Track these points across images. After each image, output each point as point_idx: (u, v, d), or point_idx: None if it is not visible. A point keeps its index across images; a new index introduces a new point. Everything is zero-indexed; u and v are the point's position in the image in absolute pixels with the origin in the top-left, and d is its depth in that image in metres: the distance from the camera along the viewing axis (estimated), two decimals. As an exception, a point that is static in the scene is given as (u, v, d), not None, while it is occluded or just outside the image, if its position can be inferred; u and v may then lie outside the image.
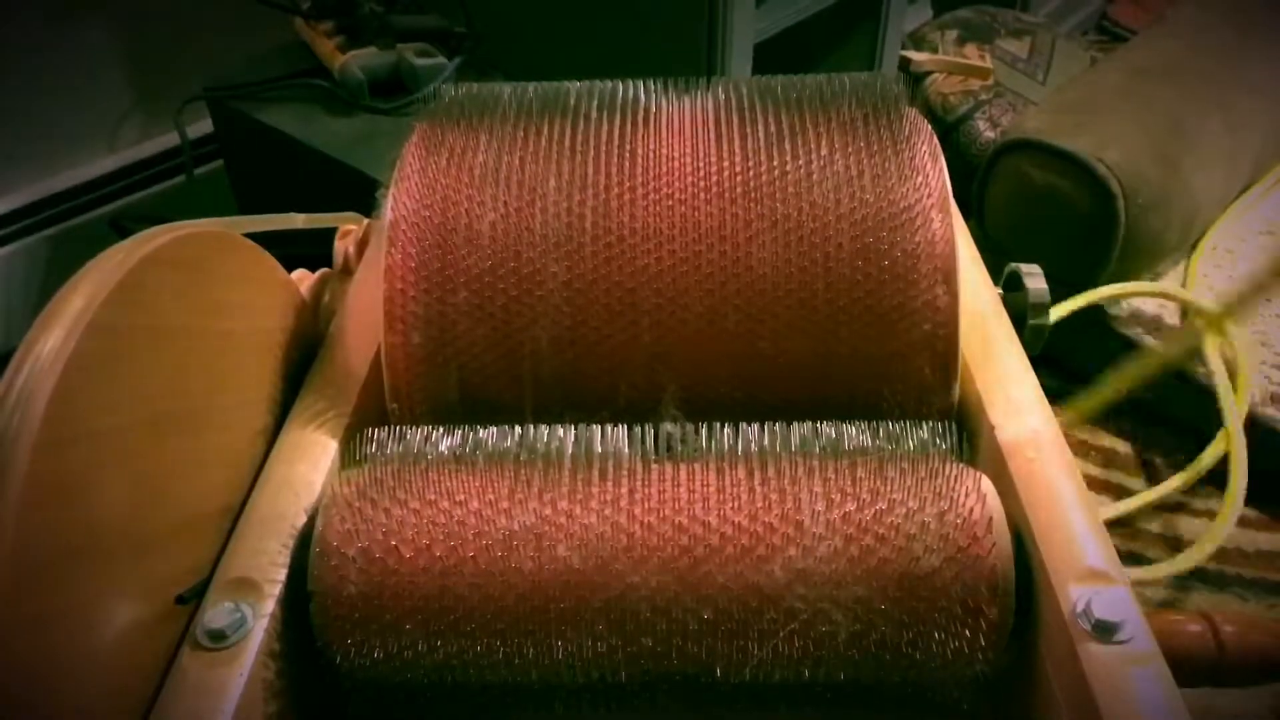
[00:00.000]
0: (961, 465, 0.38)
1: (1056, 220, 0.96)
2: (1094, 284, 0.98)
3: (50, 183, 1.12)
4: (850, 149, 0.41)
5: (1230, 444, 0.84)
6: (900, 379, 0.41)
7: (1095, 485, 0.91)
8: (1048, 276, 0.50)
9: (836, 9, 1.14)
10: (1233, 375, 0.89)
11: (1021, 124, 1.02)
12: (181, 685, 0.34)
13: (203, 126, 1.14)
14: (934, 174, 0.40)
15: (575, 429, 0.39)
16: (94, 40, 1.10)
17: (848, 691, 0.39)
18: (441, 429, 0.40)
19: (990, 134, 1.24)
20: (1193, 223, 1.00)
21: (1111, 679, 0.32)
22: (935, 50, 1.35)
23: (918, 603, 0.35)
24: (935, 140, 0.42)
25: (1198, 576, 0.87)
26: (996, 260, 0.52)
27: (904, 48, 1.33)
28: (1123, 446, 0.96)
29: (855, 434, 0.39)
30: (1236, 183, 1.06)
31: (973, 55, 1.33)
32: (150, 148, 1.19)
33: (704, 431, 0.39)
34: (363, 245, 0.54)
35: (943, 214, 0.39)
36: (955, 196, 0.42)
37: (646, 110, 0.44)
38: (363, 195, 0.51)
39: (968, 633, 0.35)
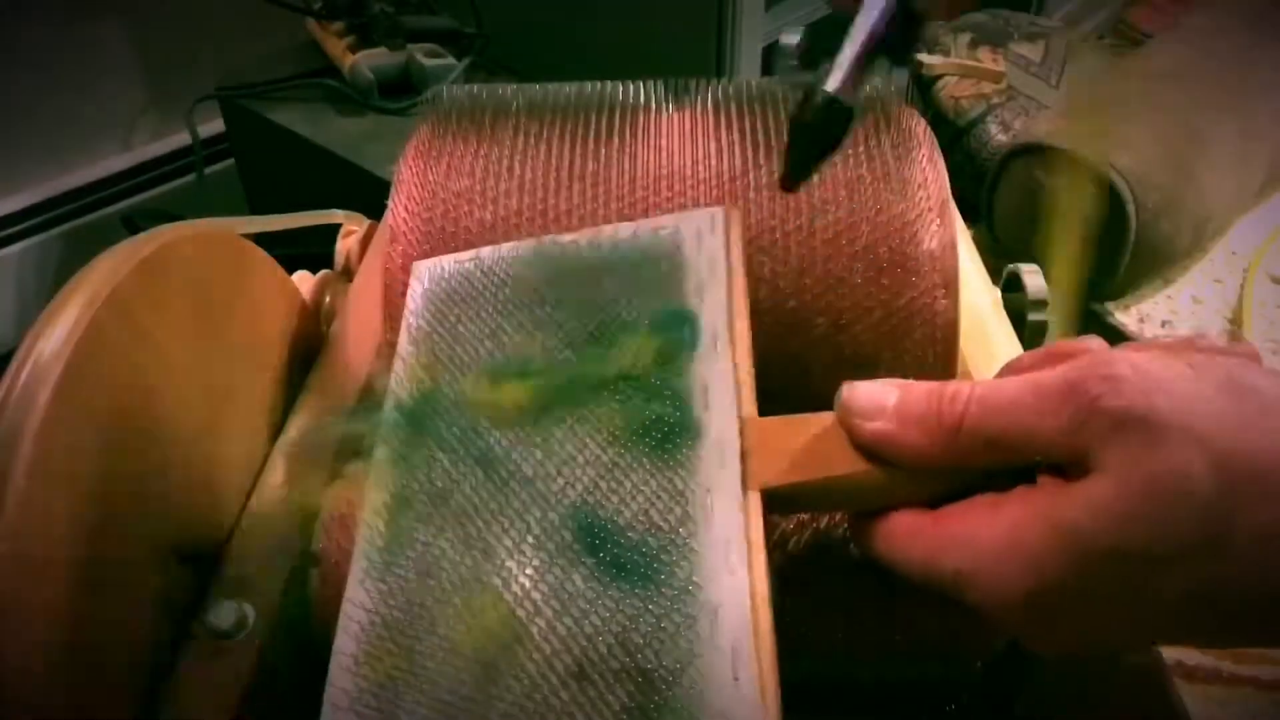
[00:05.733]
0: None
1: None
2: (1103, 289, 0.97)
3: (63, 180, 1.13)
4: (850, 153, 0.41)
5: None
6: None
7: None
8: (1056, 281, 0.49)
9: (848, 11, 1.14)
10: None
11: (1032, 128, 1.01)
12: (183, 684, 0.34)
13: (214, 125, 1.15)
14: (933, 177, 0.40)
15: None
16: (107, 39, 1.10)
17: (849, 691, 0.39)
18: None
19: (1002, 137, 1.23)
20: (1204, 228, 0.99)
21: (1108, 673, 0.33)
22: (948, 53, 1.34)
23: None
24: (935, 142, 0.41)
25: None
26: (1006, 264, 0.52)
27: (916, 50, 1.33)
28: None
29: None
30: (1250, 187, 1.05)
31: (986, 59, 1.32)
32: (162, 146, 1.19)
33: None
34: (364, 246, 0.54)
35: (942, 217, 0.39)
36: (966, 200, 0.42)
37: (647, 111, 0.44)
38: (372, 195, 0.51)
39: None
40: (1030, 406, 0.26)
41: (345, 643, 0.29)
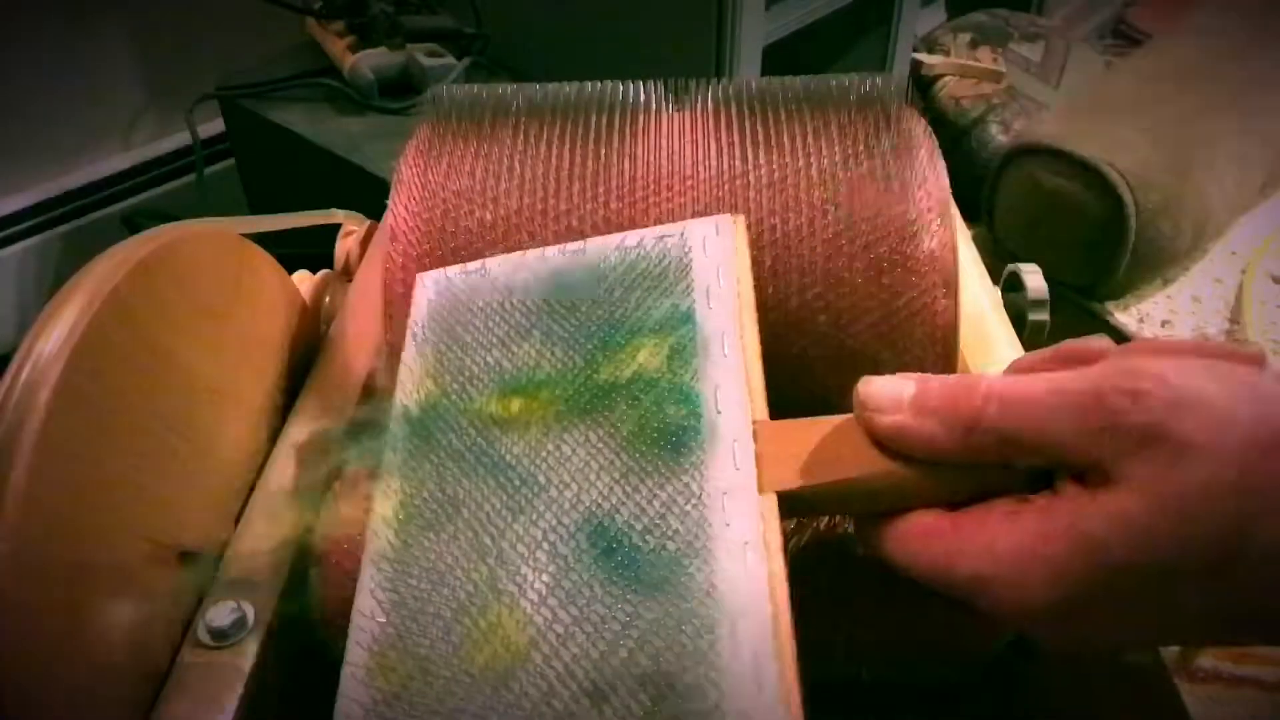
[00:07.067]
0: None
1: (1067, 225, 0.96)
2: (1104, 289, 0.97)
3: (64, 180, 1.13)
4: (850, 153, 0.41)
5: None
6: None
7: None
8: (1057, 282, 0.49)
9: (848, 11, 1.14)
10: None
11: (1032, 129, 1.01)
12: (183, 684, 0.34)
13: (215, 125, 1.15)
14: (933, 177, 0.40)
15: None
16: (108, 39, 1.10)
17: (849, 691, 0.39)
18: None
19: (1003, 138, 1.23)
20: (1204, 228, 0.99)
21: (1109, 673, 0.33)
22: (948, 53, 1.34)
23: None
24: (935, 143, 0.41)
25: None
26: (1006, 264, 0.52)
27: (916, 51, 1.33)
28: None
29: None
30: (1250, 188, 1.05)
31: (986, 59, 1.32)
32: (163, 146, 1.20)
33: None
34: (364, 246, 0.54)
35: (943, 218, 0.39)
36: (967, 200, 0.42)
37: (647, 112, 0.44)
38: (372, 195, 0.52)
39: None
40: (1050, 409, 0.26)
41: (357, 654, 0.29)
